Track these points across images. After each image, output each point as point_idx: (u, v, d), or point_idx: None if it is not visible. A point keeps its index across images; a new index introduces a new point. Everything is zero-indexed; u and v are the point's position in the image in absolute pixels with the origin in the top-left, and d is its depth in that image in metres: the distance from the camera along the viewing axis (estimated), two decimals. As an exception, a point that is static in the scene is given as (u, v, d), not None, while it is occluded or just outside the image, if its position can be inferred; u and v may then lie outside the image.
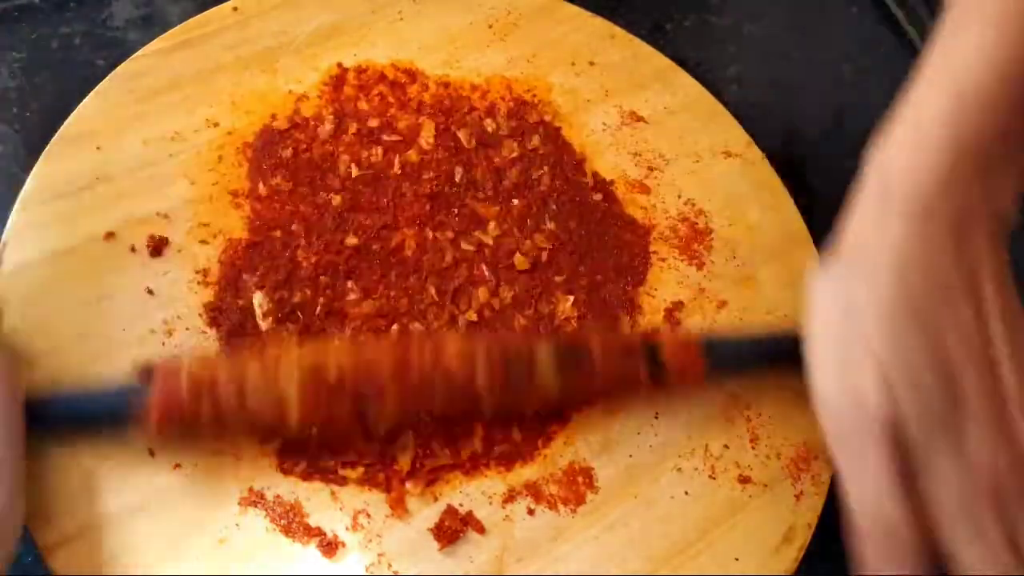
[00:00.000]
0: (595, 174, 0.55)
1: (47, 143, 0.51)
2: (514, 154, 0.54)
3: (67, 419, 0.43)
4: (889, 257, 0.39)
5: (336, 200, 0.51)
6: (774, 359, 0.48)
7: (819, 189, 0.63)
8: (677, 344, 0.46)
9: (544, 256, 0.51)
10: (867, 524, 0.39)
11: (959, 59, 0.40)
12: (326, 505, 0.44)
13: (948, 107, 0.39)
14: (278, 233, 0.50)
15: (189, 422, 0.41)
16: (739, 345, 0.49)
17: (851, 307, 0.40)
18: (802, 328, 0.43)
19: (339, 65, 0.56)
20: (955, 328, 0.38)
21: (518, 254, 0.51)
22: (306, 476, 0.44)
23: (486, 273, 0.50)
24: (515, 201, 0.53)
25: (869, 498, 0.39)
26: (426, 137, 0.54)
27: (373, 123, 0.54)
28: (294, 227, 0.50)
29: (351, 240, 0.50)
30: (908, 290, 0.39)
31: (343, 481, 0.44)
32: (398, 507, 0.44)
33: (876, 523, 0.39)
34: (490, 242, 0.51)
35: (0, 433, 0.39)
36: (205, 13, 0.56)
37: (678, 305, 0.52)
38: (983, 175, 0.39)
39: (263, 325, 0.47)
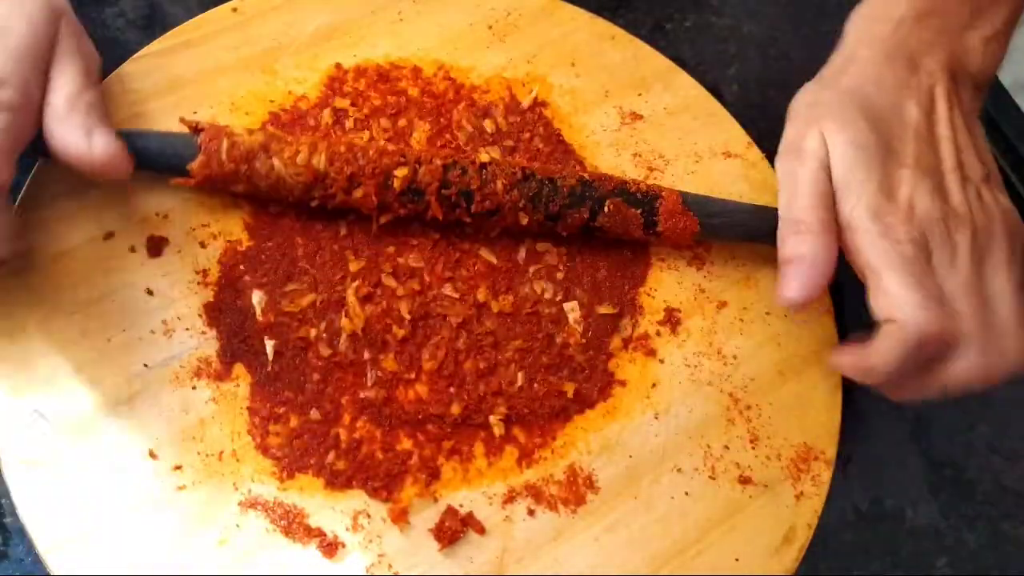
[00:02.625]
0: (595, 174, 0.55)
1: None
2: (514, 155, 0.54)
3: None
4: (853, 76, 0.49)
5: (335, 201, 0.51)
6: (760, 231, 0.51)
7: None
8: (674, 203, 0.50)
9: (545, 255, 0.51)
10: (783, 221, 0.47)
11: None
12: (326, 506, 0.44)
13: None
14: (277, 234, 0.50)
15: (228, 181, 0.48)
16: (732, 213, 0.52)
17: (816, 103, 0.49)
18: None
19: (338, 66, 0.56)
20: (898, 115, 0.48)
21: (519, 253, 0.51)
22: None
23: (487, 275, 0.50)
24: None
25: (788, 201, 0.47)
26: (425, 138, 0.54)
27: (372, 124, 0.54)
28: (294, 227, 0.50)
29: (351, 241, 0.50)
30: (863, 90, 0.48)
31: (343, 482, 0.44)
32: (400, 520, 0.44)
33: (787, 217, 0.47)
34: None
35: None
36: (205, 14, 0.56)
37: (678, 306, 0.52)
38: (940, 28, 0.50)
39: (263, 322, 0.47)
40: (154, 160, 0.48)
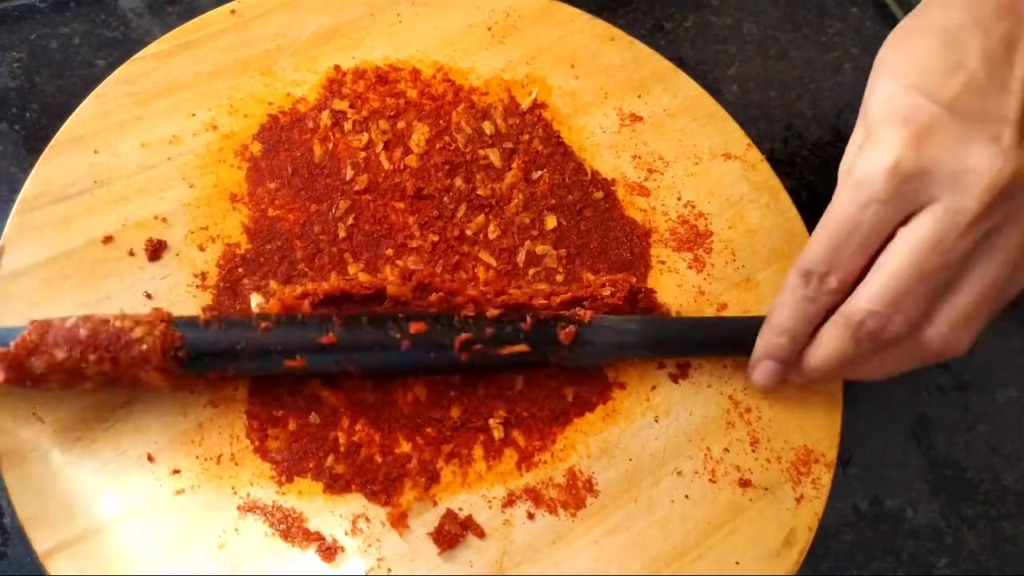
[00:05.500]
0: (595, 176, 0.55)
1: (47, 143, 0.50)
2: (513, 157, 0.54)
3: None
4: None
5: (335, 204, 0.51)
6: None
7: (819, 189, 0.63)
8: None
9: (544, 259, 0.51)
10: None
11: None
12: (325, 510, 0.44)
13: None
14: (276, 237, 0.50)
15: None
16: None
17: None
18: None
19: (337, 68, 0.56)
20: (980, 43, 0.43)
21: (518, 255, 0.51)
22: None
23: (488, 276, 0.50)
24: (514, 204, 0.53)
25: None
26: (424, 140, 0.54)
27: (371, 126, 0.54)
28: (292, 230, 0.50)
29: (350, 243, 0.50)
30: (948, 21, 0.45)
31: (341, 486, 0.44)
32: (399, 524, 0.44)
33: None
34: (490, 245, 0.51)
35: None
36: (204, 16, 0.56)
37: (678, 308, 0.51)
38: None
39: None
40: None
